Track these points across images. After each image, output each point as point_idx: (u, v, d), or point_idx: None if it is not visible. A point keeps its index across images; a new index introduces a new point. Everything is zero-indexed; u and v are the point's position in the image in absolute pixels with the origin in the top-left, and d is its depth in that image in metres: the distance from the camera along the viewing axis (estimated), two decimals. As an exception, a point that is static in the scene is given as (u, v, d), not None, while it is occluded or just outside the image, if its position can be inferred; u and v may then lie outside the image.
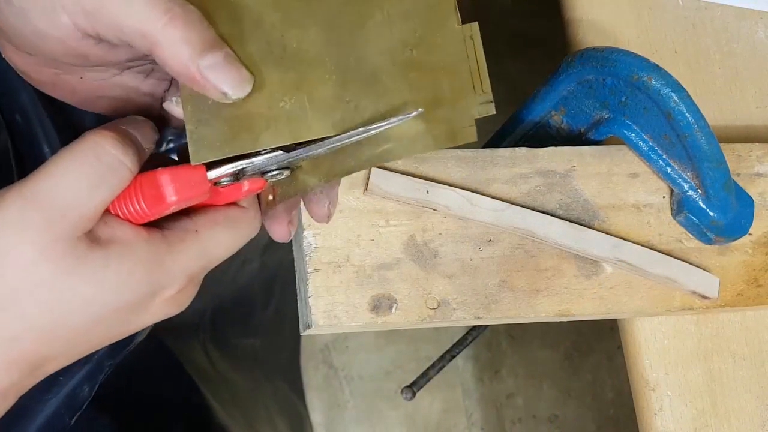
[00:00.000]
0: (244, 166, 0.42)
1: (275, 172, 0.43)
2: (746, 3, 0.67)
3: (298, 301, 0.52)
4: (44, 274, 0.38)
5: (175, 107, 0.43)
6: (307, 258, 0.50)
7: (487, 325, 0.62)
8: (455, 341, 0.65)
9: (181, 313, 0.49)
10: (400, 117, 0.43)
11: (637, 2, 0.66)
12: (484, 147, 0.58)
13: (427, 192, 0.52)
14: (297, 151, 0.43)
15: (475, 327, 0.64)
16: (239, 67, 0.40)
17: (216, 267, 0.46)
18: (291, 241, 0.53)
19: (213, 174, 0.42)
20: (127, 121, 0.42)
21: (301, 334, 0.53)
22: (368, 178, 0.51)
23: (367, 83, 0.43)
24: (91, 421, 0.61)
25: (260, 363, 1.06)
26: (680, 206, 0.55)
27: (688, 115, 0.50)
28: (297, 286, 0.52)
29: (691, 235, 0.56)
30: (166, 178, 0.40)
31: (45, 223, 0.38)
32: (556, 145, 0.56)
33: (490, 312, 0.52)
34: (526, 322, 0.54)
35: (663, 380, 0.57)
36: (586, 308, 0.54)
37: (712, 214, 0.55)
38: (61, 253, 0.38)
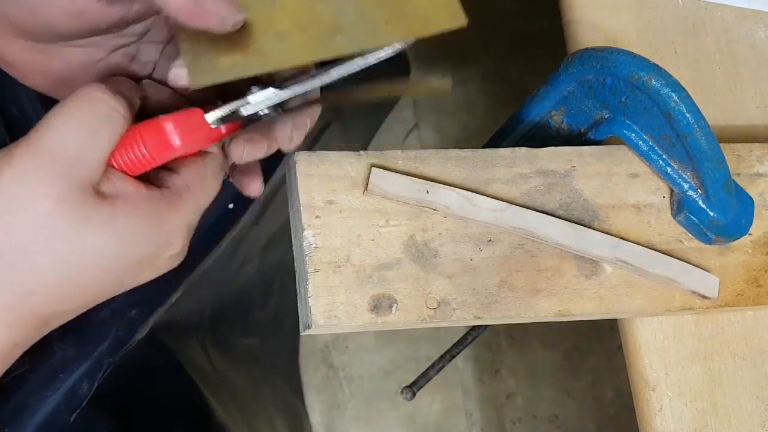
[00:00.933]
0: (239, 106, 0.44)
1: (267, 111, 0.45)
2: (746, 3, 0.67)
3: (298, 301, 0.52)
4: (59, 227, 0.39)
5: (179, 71, 0.44)
6: (307, 258, 0.50)
7: (487, 325, 0.62)
8: (455, 341, 0.65)
9: (182, 312, 0.49)
10: (388, 48, 0.43)
11: (637, 2, 0.66)
12: (484, 147, 0.58)
13: (427, 192, 0.52)
14: (289, 89, 0.44)
15: (475, 327, 0.64)
16: None
17: (216, 265, 0.46)
18: (291, 240, 0.53)
19: (210, 117, 0.44)
20: (111, 80, 0.44)
21: (300, 334, 0.53)
22: (368, 178, 0.51)
23: (354, 14, 0.44)
24: (91, 420, 0.61)
25: (259, 362, 1.06)
26: (680, 206, 0.55)
27: (688, 115, 0.50)
28: (297, 286, 0.52)
29: (691, 235, 0.56)
30: (169, 125, 0.42)
31: (56, 175, 0.39)
32: (556, 145, 0.56)
33: (490, 312, 0.52)
34: (526, 322, 0.54)
35: (663, 380, 0.57)
36: (586, 308, 0.54)
37: (712, 214, 0.55)
38: (74, 206, 0.39)
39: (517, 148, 0.55)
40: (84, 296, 0.42)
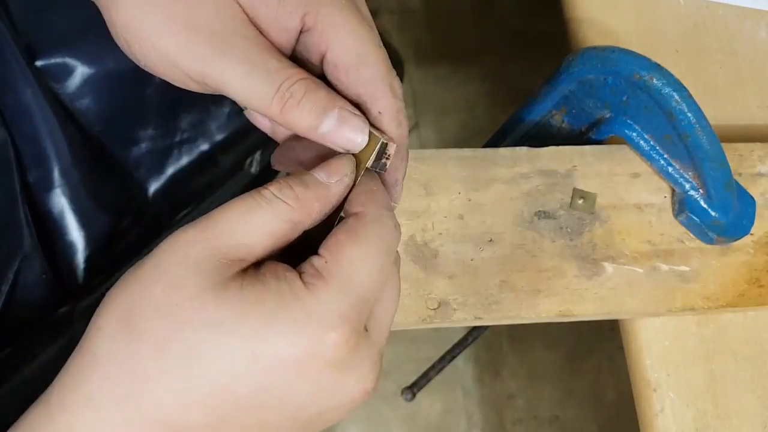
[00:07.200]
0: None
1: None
2: (748, 2, 0.67)
3: (298, 302, 0.52)
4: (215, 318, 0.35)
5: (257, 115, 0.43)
6: (306, 258, 0.50)
7: (488, 326, 0.61)
8: (455, 342, 0.65)
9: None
10: None
11: (638, 1, 0.66)
12: (484, 146, 0.58)
13: None
14: None
15: (475, 328, 0.64)
16: (352, 120, 0.40)
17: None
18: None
19: None
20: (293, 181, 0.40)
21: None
22: None
23: None
24: None
25: None
26: (682, 206, 0.55)
27: (690, 115, 0.50)
28: (296, 286, 0.52)
29: (692, 235, 0.56)
30: None
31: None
32: (557, 145, 0.56)
33: (490, 312, 0.52)
34: (527, 322, 0.54)
35: (664, 381, 0.57)
36: (587, 309, 0.54)
37: (713, 213, 0.54)
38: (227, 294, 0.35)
39: (517, 148, 0.55)
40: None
